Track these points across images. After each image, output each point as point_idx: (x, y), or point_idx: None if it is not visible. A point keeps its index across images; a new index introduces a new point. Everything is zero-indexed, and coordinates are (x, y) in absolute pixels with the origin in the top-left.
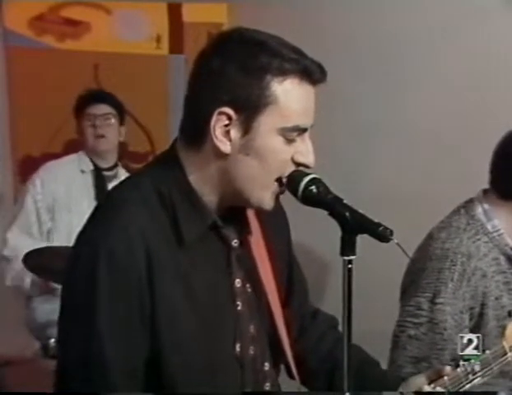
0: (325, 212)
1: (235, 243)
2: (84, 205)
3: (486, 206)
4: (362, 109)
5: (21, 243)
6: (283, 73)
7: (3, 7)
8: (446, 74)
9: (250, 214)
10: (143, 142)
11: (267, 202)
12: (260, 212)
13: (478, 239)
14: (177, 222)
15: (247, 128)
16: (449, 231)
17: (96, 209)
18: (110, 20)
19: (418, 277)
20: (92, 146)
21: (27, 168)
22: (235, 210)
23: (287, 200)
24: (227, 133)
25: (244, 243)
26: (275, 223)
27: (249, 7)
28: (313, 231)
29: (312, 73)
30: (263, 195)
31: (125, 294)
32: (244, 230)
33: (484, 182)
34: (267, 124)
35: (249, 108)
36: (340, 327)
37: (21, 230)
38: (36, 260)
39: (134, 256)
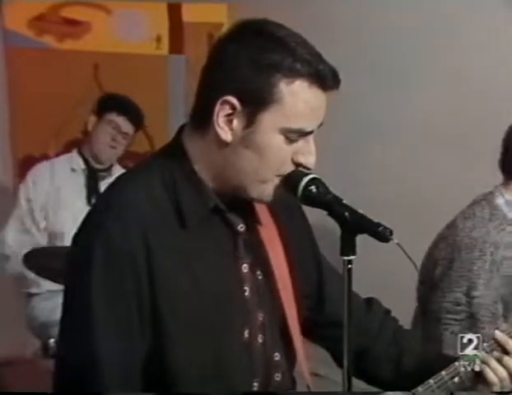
0: (325, 212)
1: (240, 228)
2: (77, 204)
3: (507, 196)
4: (363, 108)
5: (19, 241)
6: (293, 74)
7: (3, 7)
8: (449, 73)
9: (260, 207)
10: (143, 142)
11: (267, 195)
12: (276, 207)
13: (503, 229)
14: (179, 206)
15: (250, 121)
16: (473, 221)
17: (99, 196)
18: (110, 21)
19: (449, 269)
20: (98, 150)
21: (27, 168)
22: (239, 198)
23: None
24: (230, 122)
25: (253, 230)
26: (293, 220)
27: (249, 7)
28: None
29: (324, 78)
30: (263, 188)
31: (120, 278)
32: (251, 218)
33: (486, 184)
34: (269, 121)
35: (255, 102)
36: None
37: (17, 228)
38: (36, 260)
39: (130, 241)
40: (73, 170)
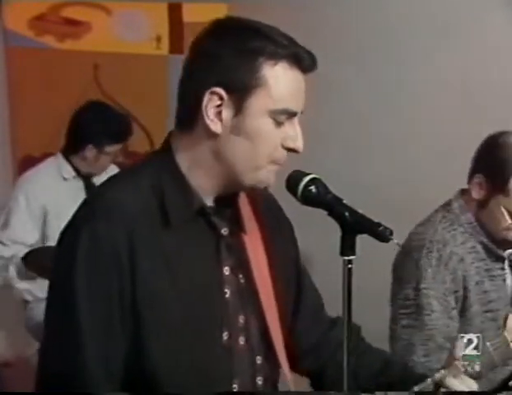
0: (325, 212)
1: (224, 231)
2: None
3: (461, 201)
4: (359, 109)
5: (16, 252)
6: (275, 57)
7: (3, 7)
8: (444, 76)
9: (247, 214)
10: (143, 142)
11: (263, 181)
12: (263, 217)
13: (454, 229)
14: (164, 206)
15: (238, 109)
16: (425, 226)
17: (88, 195)
18: (110, 21)
19: (401, 272)
20: (97, 171)
21: (27, 168)
22: (227, 202)
23: (287, 200)
24: (219, 114)
25: (237, 235)
26: (279, 232)
27: (249, 7)
28: (313, 231)
29: (302, 60)
30: (257, 175)
31: (104, 277)
32: (235, 223)
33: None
34: (257, 105)
35: (241, 89)
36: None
37: (2, 244)
38: (36, 260)
39: (115, 239)
40: (65, 179)
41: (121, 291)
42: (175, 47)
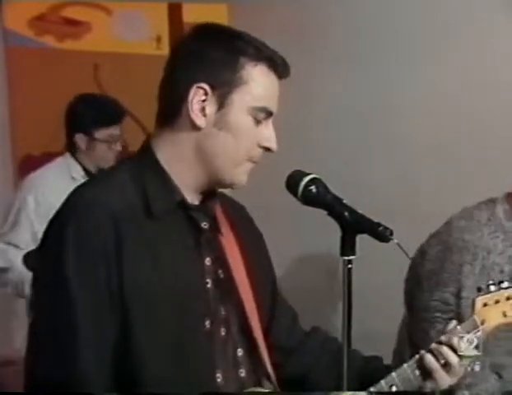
0: (325, 212)
1: (204, 225)
2: None
3: (506, 206)
4: (359, 109)
5: (15, 255)
6: (255, 59)
7: (3, 7)
8: (445, 80)
9: (222, 218)
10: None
11: (239, 180)
12: (237, 225)
13: (497, 237)
14: (147, 198)
15: (221, 104)
16: (469, 223)
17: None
18: (110, 21)
19: (439, 269)
20: (101, 162)
21: (27, 168)
22: (207, 199)
23: (287, 200)
24: (203, 109)
25: (215, 234)
26: (253, 241)
27: (249, 8)
28: (313, 232)
29: (278, 65)
30: (235, 172)
31: (92, 264)
32: (213, 222)
33: (484, 189)
34: (239, 101)
35: (224, 85)
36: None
37: (16, 246)
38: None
39: (100, 230)
40: (73, 179)
41: (108, 279)
42: None
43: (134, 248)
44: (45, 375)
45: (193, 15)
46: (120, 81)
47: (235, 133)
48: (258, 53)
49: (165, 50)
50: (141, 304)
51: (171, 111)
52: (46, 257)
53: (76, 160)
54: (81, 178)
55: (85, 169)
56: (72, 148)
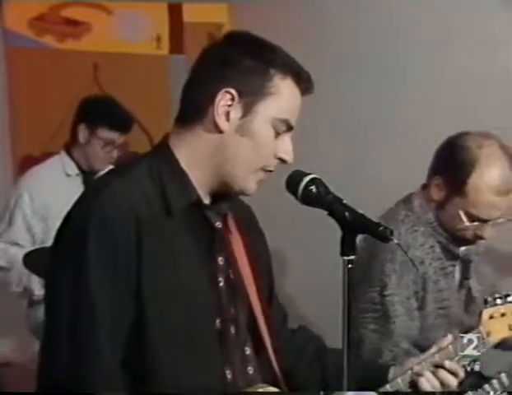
0: (325, 212)
1: (218, 224)
2: None
3: (422, 200)
4: (359, 110)
5: (16, 253)
6: (284, 72)
7: (3, 7)
8: (445, 74)
9: (231, 221)
10: (143, 142)
11: (250, 187)
12: (243, 225)
13: (416, 231)
14: (165, 194)
15: (247, 111)
16: (389, 224)
17: (89, 185)
18: (110, 21)
19: (368, 270)
20: (94, 162)
21: (27, 168)
22: (220, 200)
23: (287, 200)
24: (227, 114)
25: (226, 233)
26: (257, 241)
27: (250, 8)
28: (313, 231)
29: (303, 81)
30: (248, 179)
31: (114, 250)
32: (224, 223)
33: None
34: (264, 111)
35: (252, 93)
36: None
37: (12, 244)
38: (36, 260)
39: (124, 220)
40: (68, 175)
41: (129, 268)
42: (175, 47)
43: (153, 243)
44: (65, 372)
45: (193, 15)
46: (120, 81)
47: (256, 142)
48: (287, 67)
49: (165, 50)
50: (156, 302)
51: (195, 112)
52: (67, 241)
53: (71, 157)
54: (75, 175)
55: (79, 168)
56: (71, 140)
